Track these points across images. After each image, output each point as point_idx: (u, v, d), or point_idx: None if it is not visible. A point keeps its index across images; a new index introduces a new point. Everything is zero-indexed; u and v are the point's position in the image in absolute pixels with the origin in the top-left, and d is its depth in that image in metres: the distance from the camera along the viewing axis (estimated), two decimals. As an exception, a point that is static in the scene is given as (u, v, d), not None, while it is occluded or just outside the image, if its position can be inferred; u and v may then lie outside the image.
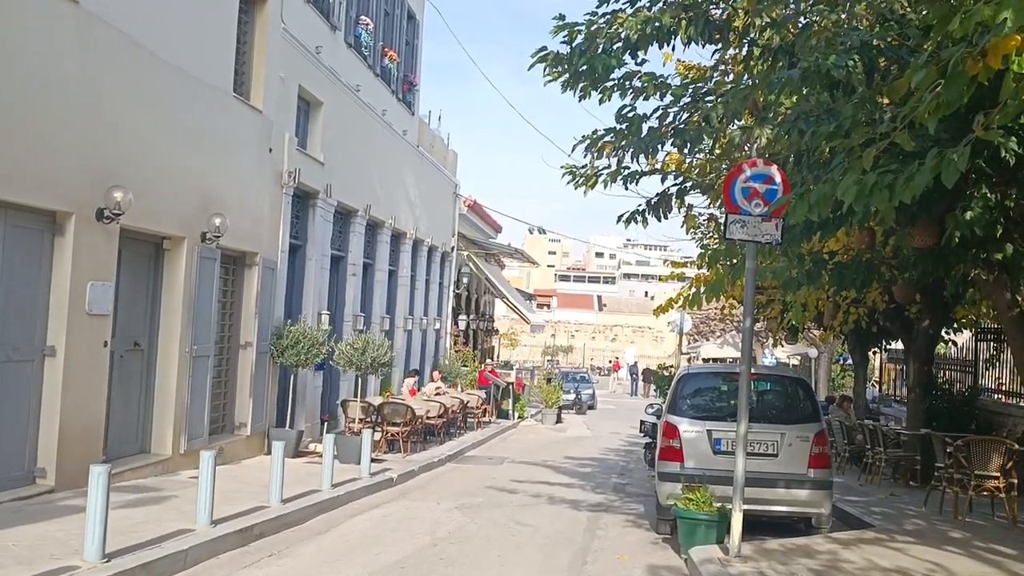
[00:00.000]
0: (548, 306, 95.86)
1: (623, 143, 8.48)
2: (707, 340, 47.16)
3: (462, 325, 31.42)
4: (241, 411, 14.60)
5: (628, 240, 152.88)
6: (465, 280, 31.48)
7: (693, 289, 13.39)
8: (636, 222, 9.96)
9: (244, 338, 14.65)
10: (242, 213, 14.03)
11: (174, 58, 11.87)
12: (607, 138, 8.66)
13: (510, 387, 29.36)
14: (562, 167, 10.18)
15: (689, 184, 10.02)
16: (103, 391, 10.71)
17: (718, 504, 9.00)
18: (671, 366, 23.69)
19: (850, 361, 31.04)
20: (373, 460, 15.63)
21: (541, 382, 33.06)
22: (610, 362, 70.82)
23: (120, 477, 10.99)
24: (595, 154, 9.00)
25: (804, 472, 10.00)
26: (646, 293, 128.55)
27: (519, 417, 29.04)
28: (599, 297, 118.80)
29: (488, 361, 31.41)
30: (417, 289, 25.55)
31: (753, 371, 10.89)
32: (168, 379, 12.30)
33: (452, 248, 29.47)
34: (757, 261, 8.38)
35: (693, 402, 10.70)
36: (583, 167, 10.03)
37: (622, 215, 10.11)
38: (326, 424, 17.55)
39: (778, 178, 8.04)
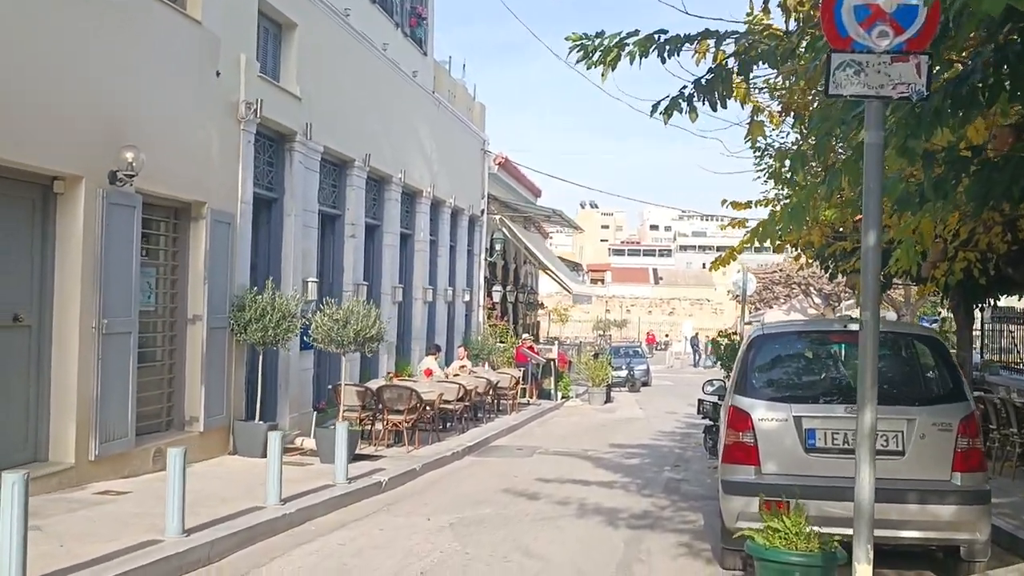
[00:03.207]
0: (602, 281, 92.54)
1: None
2: (771, 308, 43.49)
3: (496, 297, 28.25)
4: (191, 402, 11.63)
5: (683, 211, 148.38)
6: (499, 247, 28.23)
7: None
8: (681, 111, 6.67)
9: (192, 310, 11.66)
10: (176, 151, 11.01)
11: (51, -66, 8.86)
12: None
13: (551, 364, 26.16)
14: (567, 38, 6.93)
15: (758, 50, 6.66)
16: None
17: (818, 531, 5.73)
18: (733, 333, 20.26)
19: (938, 324, 27.29)
20: (367, 458, 12.73)
21: (588, 358, 29.80)
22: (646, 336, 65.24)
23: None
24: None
25: (947, 478, 6.66)
26: (704, 265, 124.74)
27: (563, 397, 25.86)
28: (655, 270, 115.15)
29: (525, 336, 28.20)
30: (440, 256, 22.43)
31: (851, 327, 7.57)
32: (67, 363, 9.35)
33: (482, 211, 26.27)
34: (883, 134, 5.05)
35: (772, 376, 7.39)
36: (597, 36, 6.77)
37: (658, 103, 6.82)
38: (318, 414, 14.61)
39: (919, -15, 4.71)
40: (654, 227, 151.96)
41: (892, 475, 6.55)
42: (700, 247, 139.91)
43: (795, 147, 8.96)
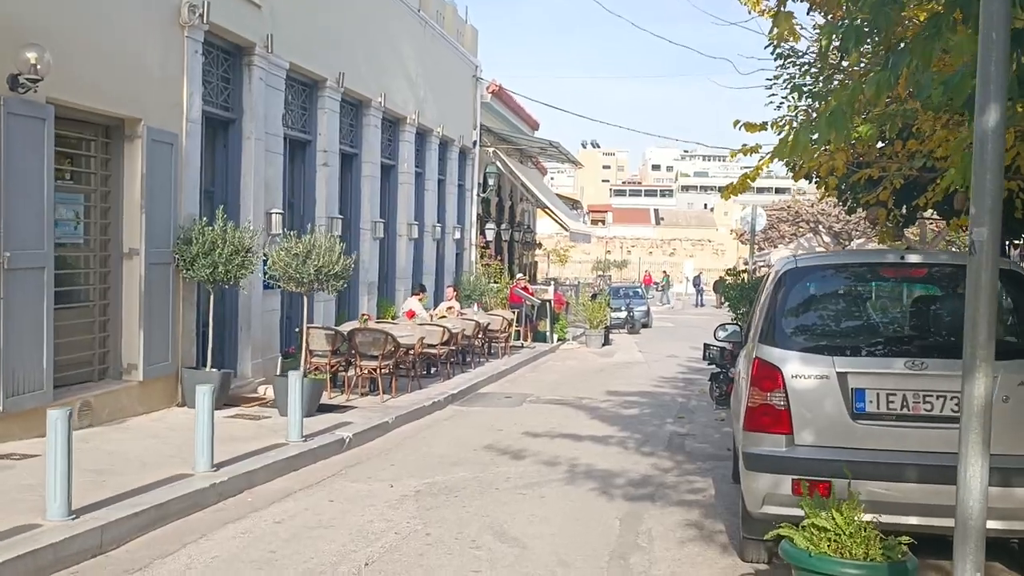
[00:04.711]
0: (603, 222, 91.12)
1: None
2: (775, 247, 41.85)
3: (490, 235, 26.69)
4: (129, 348, 10.20)
5: (685, 151, 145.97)
6: (492, 182, 26.54)
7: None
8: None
9: (127, 243, 10.17)
10: (100, 56, 9.43)
11: None
12: None
13: (547, 305, 24.71)
14: None
15: None
16: None
17: (876, 527, 4.32)
18: (743, 270, 18.72)
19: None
20: (334, 409, 11.40)
21: (585, 299, 28.35)
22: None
23: None
24: None
25: (1035, 452, 5.23)
26: (705, 205, 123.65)
27: (559, 340, 24.45)
28: (656, 211, 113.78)
29: (519, 275, 26.72)
30: (427, 189, 20.83)
31: (910, 259, 6.09)
32: (-40, 304, 7.90)
33: (474, 143, 24.57)
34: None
35: (808, 321, 5.88)
36: None
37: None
38: (285, 360, 13.20)
39: None
40: (656, 167, 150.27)
41: (964, 449, 5.11)
42: (702, 187, 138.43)
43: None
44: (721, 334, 8.46)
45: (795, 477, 5.17)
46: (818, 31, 8.81)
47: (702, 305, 48.53)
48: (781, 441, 5.38)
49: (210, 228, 10.75)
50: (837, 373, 5.35)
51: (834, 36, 5.24)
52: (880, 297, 6.24)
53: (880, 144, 11.56)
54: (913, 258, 5.93)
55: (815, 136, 6.62)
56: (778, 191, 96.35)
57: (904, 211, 14.46)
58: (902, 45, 5.13)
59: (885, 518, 4.83)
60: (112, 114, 9.79)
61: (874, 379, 5.32)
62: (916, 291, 6.10)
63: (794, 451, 5.35)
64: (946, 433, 5.18)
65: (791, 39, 8.50)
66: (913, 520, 5.00)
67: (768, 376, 5.45)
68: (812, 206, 35.18)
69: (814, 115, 10.95)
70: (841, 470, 4.96)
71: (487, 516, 6.97)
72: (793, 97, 11.43)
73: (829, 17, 8.19)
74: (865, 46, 6.04)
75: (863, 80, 6.16)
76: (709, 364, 13.67)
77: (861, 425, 5.30)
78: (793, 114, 11.71)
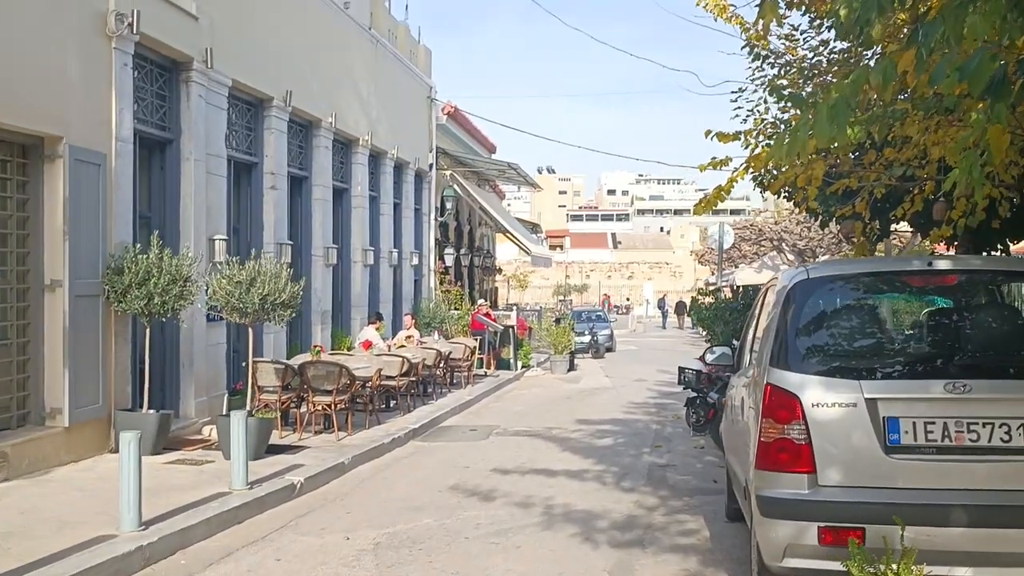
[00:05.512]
0: (561, 247, 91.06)
1: None
2: (737, 267, 41.46)
3: (449, 261, 25.87)
4: (52, 390, 9.19)
5: (640, 175, 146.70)
6: (450, 206, 25.73)
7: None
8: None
9: (49, 275, 9.19)
10: (11, 67, 8.50)
11: None
12: None
13: (510, 331, 23.89)
14: None
15: None
16: None
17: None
18: (715, 289, 18.04)
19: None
20: (285, 449, 10.50)
21: (549, 324, 27.57)
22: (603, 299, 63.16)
23: None
24: None
25: (1103, 490, 4.48)
26: (661, 228, 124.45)
27: (523, 367, 23.63)
28: (613, 235, 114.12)
29: (481, 301, 25.89)
30: (383, 214, 19.98)
31: (938, 265, 5.37)
32: None
33: (430, 166, 23.79)
34: None
35: (825, 341, 5.06)
36: None
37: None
38: (232, 397, 12.23)
39: None
40: (611, 192, 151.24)
41: (1014, 486, 4.36)
42: (657, 210, 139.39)
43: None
44: (710, 357, 7.68)
45: (822, 524, 4.39)
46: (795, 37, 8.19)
47: (665, 328, 48.36)
48: (803, 481, 4.58)
49: (144, 256, 9.83)
50: (866, 400, 4.56)
51: (853, 6, 4.51)
52: (907, 310, 5.52)
53: (853, 154, 10.97)
54: (942, 264, 5.20)
55: (813, 132, 5.91)
56: (733, 212, 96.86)
57: (878, 224, 13.82)
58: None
59: (928, 569, 4.07)
60: (28, 131, 8.84)
61: (909, 405, 4.55)
62: (949, 302, 5.37)
63: (818, 493, 4.55)
64: (995, 467, 4.44)
65: (767, 41, 7.84)
66: (962, 572, 4.25)
67: (784, 405, 4.65)
68: (776, 224, 34.83)
69: (782, 125, 10.32)
70: (875, 514, 4.19)
71: (456, 573, 6.11)
72: (759, 110, 10.84)
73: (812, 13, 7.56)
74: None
75: (868, 70, 5.47)
76: (684, 388, 12.92)
77: (896, 460, 4.51)
78: (761, 126, 11.13)
